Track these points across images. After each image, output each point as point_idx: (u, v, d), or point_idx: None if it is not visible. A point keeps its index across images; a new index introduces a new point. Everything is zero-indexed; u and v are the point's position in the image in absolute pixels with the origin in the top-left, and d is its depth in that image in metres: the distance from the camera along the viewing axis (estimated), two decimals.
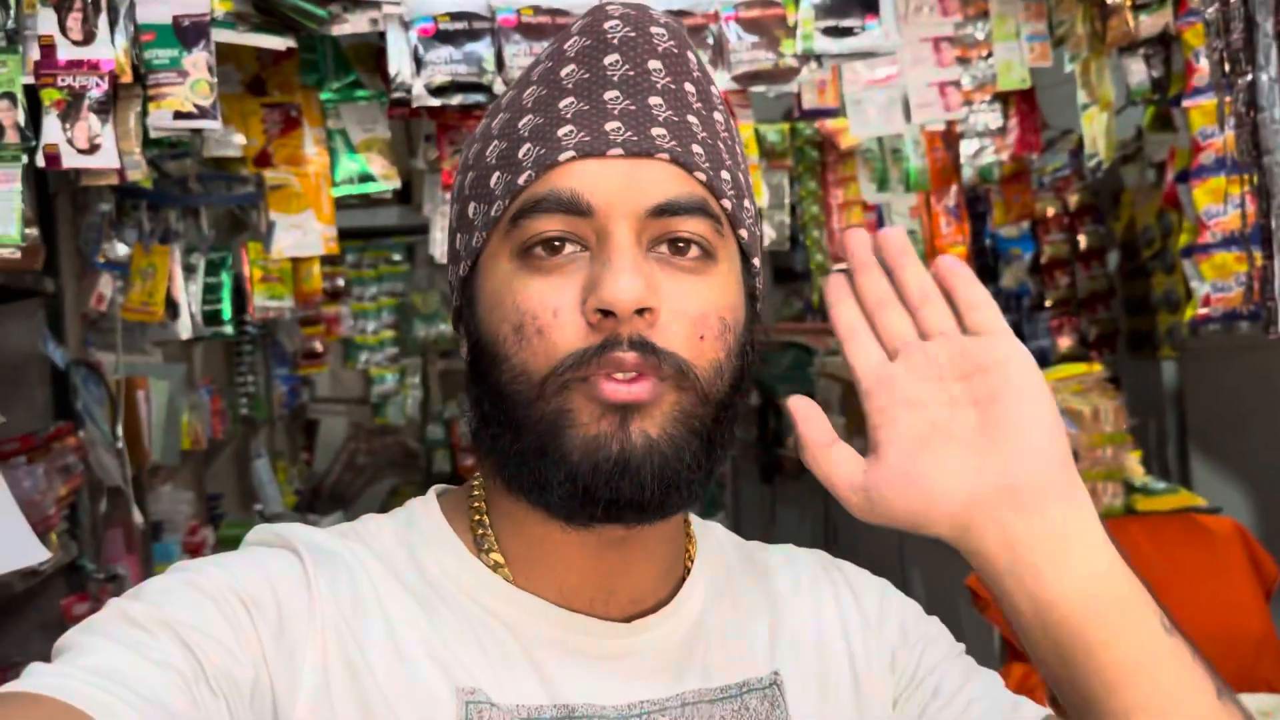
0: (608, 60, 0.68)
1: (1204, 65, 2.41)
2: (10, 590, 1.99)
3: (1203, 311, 2.46)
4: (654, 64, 0.68)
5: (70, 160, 1.53)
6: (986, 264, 4.72)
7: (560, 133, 0.67)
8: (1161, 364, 4.16)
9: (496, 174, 0.69)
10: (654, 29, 0.69)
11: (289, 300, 2.94)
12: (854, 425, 3.68)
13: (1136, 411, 2.96)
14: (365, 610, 0.67)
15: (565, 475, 0.64)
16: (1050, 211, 4.41)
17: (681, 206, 0.66)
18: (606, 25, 0.69)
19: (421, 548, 0.71)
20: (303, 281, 3.09)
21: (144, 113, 1.66)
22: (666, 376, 0.64)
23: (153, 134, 1.63)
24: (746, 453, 5.53)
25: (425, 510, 0.74)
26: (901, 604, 0.80)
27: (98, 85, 1.54)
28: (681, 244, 0.67)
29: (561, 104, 0.68)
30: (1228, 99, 2.15)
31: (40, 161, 1.53)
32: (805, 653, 0.75)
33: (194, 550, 3.33)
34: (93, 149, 1.54)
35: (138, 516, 2.66)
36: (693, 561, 0.76)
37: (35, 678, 0.55)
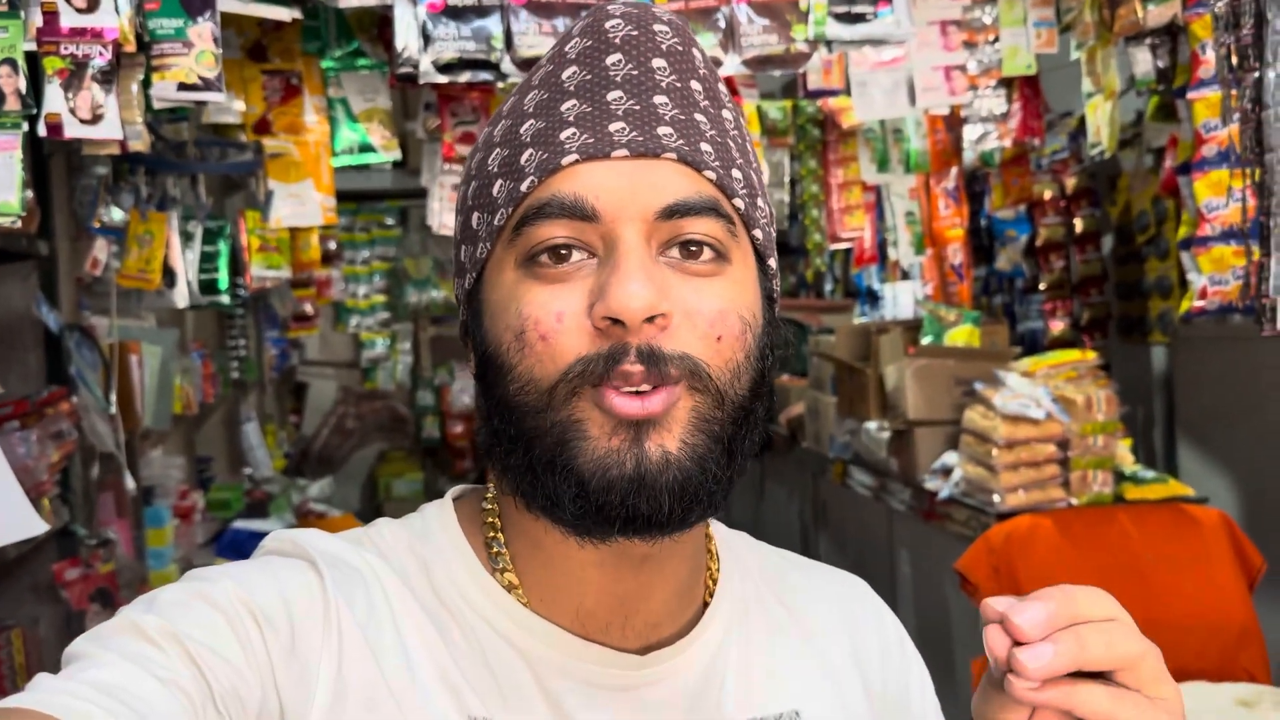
0: (610, 60, 0.65)
1: (1210, 58, 2.40)
2: (4, 555, 1.98)
3: (1198, 304, 2.47)
4: (658, 62, 0.66)
5: (73, 130, 1.51)
6: (982, 245, 4.72)
7: (563, 136, 0.64)
8: (1151, 349, 4.18)
9: (499, 182, 0.66)
10: (657, 26, 0.66)
11: (286, 270, 2.92)
12: (846, 405, 3.69)
13: (1125, 397, 2.97)
14: (380, 628, 0.65)
15: (577, 491, 0.61)
16: (1047, 194, 4.41)
17: (692, 207, 0.63)
18: (608, 25, 0.66)
19: (435, 561, 0.68)
20: (300, 251, 3.06)
21: (146, 82, 1.64)
22: (678, 379, 0.61)
23: (156, 105, 1.61)
24: None
25: (440, 519, 0.71)
26: (922, 671, 0.80)
27: (101, 54, 1.52)
28: (694, 247, 0.64)
29: (563, 107, 0.65)
30: (1233, 93, 2.15)
31: (42, 130, 1.51)
32: (832, 694, 0.74)
33: (184, 514, 3.33)
34: (96, 119, 1.52)
35: (130, 482, 2.65)
36: (714, 583, 0.73)
37: (39, 692, 0.54)
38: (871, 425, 3.47)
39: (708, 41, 1.79)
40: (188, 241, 2.64)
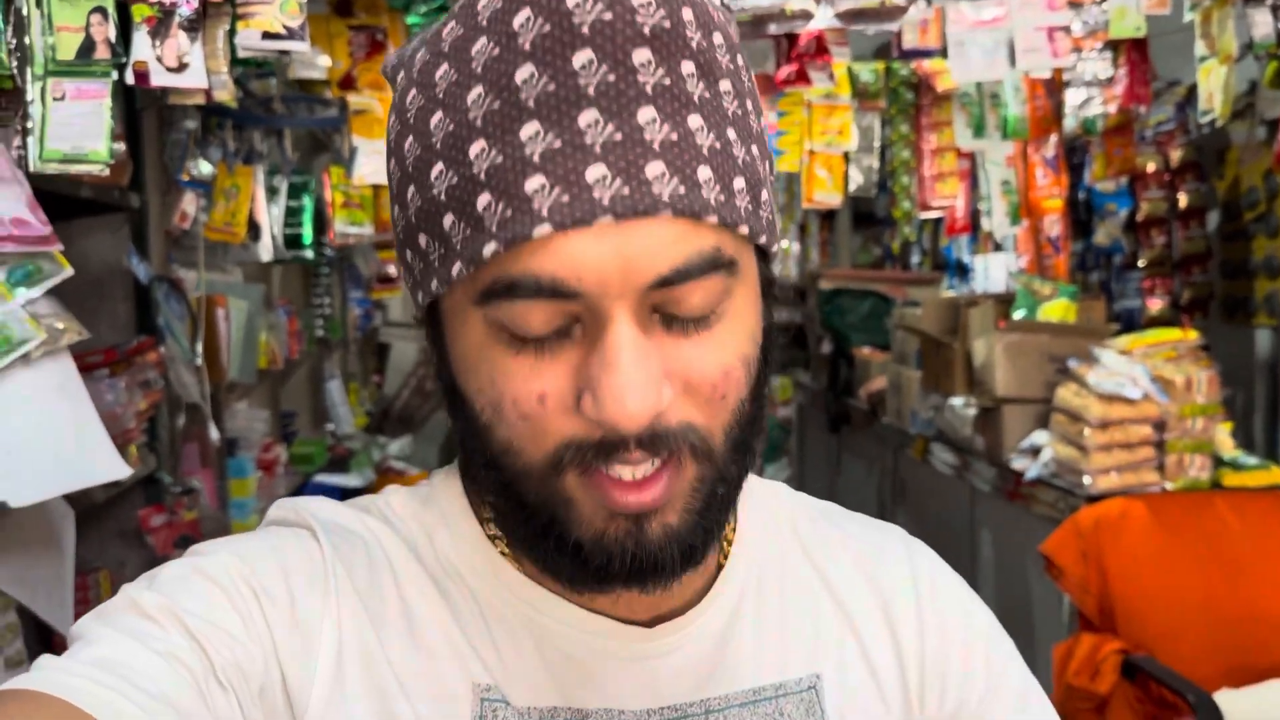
0: (578, 61, 0.52)
1: None
2: (92, 500, 2.03)
3: None
4: (641, 55, 0.52)
5: (159, 78, 1.51)
6: (1080, 219, 4.56)
7: (529, 188, 0.52)
8: (1255, 332, 4.00)
9: (450, 217, 0.55)
10: None
11: (369, 227, 2.93)
12: (931, 380, 3.60)
13: (1225, 381, 2.84)
14: (383, 594, 0.63)
15: (573, 560, 0.58)
16: (1150, 167, 4.23)
17: (690, 273, 0.54)
18: (569, 2, 0.52)
19: (438, 528, 0.66)
20: (383, 209, 3.07)
21: (232, 32, 1.64)
22: (680, 452, 0.56)
23: (240, 53, 1.61)
24: (815, 401, 5.47)
25: (446, 486, 0.68)
26: (968, 626, 0.72)
27: (187, 3, 1.52)
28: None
29: (524, 133, 0.52)
30: None
31: (129, 78, 1.51)
32: (856, 655, 0.68)
33: (267, 466, 3.39)
34: (181, 67, 1.52)
35: (214, 433, 2.70)
36: (729, 545, 0.69)
37: (42, 673, 0.54)
38: (957, 401, 3.37)
39: None
40: (273, 196, 2.67)
